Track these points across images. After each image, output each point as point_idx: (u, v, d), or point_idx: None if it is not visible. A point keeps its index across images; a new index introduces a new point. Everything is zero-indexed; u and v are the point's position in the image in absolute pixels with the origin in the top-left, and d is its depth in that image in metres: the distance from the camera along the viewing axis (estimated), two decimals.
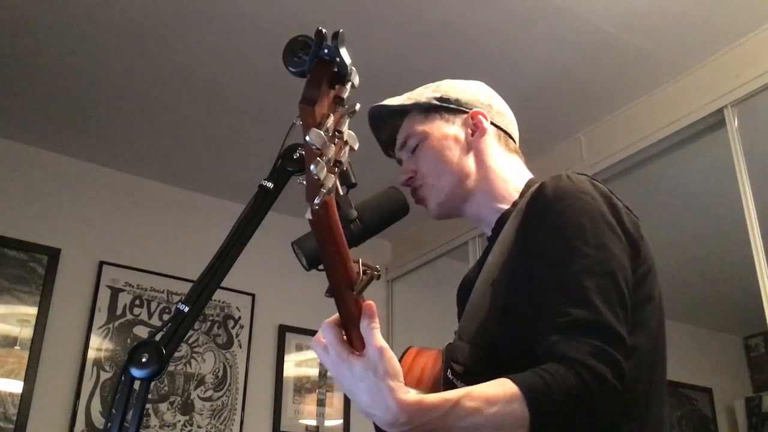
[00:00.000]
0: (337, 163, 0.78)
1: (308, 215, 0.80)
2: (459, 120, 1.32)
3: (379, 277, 0.92)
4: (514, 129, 1.38)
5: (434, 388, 1.04)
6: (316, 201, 0.76)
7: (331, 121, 0.76)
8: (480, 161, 1.30)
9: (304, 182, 0.77)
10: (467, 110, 1.32)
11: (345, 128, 0.80)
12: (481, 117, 1.32)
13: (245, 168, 3.47)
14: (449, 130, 1.31)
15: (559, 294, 1.00)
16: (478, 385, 0.94)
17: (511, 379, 0.93)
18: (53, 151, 3.49)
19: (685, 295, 4.34)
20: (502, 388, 0.93)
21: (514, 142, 1.37)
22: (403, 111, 1.34)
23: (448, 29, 2.75)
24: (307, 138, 0.74)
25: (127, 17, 2.69)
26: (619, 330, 0.97)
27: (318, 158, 0.74)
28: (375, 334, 0.91)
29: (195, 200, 3.83)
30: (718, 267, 4.22)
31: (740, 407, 4.95)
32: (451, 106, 1.32)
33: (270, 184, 1.02)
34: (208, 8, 2.65)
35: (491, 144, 1.32)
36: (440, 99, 1.32)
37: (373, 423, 1.04)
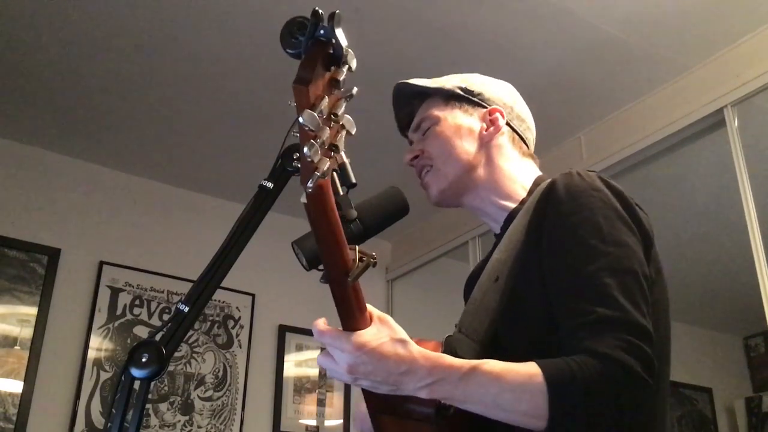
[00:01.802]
0: (333, 146, 0.77)
1: (303, 199, 0.79)
2: (477, 113, 1.32)
3: (375, 264, 0.92)
4: (530, 136, 1.37)
5: None
6: (310, 184, 0.76)
7: (325, 103, 0.75)
8: (489, 157, 1.30)
9: (299, 165, 0.76)
10: (487, 106, 1.32)
11: (341, 112, 0.79)
12: (498, 115, 1.32)
13: (245, 168, 3.47)
14: (464, 120, 1.31)
15: (582, 294, 1.00)
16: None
17: (536, 361, 0.94)
18: (53, 151, 3.50)
19: (685, 295, 4.33)
20: (525, 366, 0.94)
21: (528, 147, 1.36)
22: (425, 93, 1.34)
23: (448, 29, 2.75)
24: (301, 119, 0.73)
25: (127, 17, 2.69)
26: (645, 324, 0.97)
27: (312, 140, 0.73)
28: (374, 308, 0.97)
29: (195, 200, 3.83)
30: (718, 267, 4.22)
31: (740, 407, 4.95)
32: (473, 98, 1.32)
33: (270, 184, 1.02)
34: (208, 8, 2.65)
35: (504, 143, 1.31)
36: (464, 89, 1.33)
37: (365, 398, 1.05)
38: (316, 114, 0.73)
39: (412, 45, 2.82)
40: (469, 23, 2.71)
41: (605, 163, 3.17)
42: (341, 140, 0.79)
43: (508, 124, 1.32)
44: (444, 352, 1.07)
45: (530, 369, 0.93)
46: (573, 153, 3.37)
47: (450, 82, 1.34)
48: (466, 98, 1.32)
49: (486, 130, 1.30)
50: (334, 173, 0.97)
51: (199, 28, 2.75)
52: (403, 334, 0.97)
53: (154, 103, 3.18)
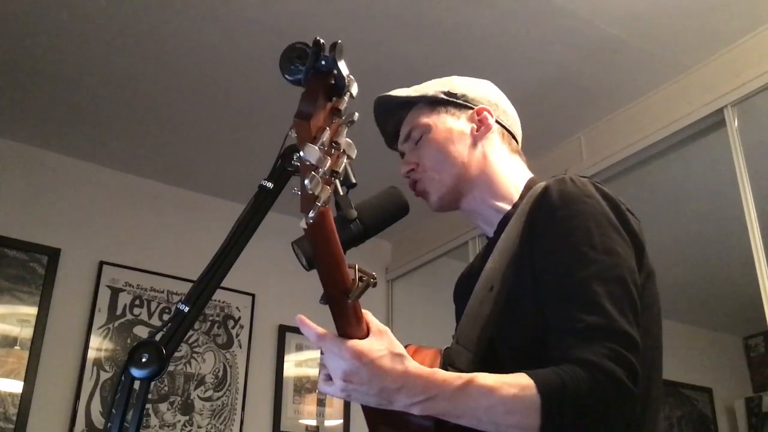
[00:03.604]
0: (334, 173, 0.78)
1: (303, 224, 0.80)
2: (464, 115, 1.31)
3: (375, 284, 0.92)
4: (517, 130, 1.37)
5: None
6: (311, 214, 0.76)
7: (327, 135, 0.76)
8: (482, 157, 1.29)
9: (299, 192, 0.76)
10: (473, 106, 1.32)
11: (342, 139, 0.79)
12: (486, 114, 1.31)
13: (245, 168, 3.47)
14: (454, 124, 1.30)
15: (571, 301, 1.00)
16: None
17: (526, 373, 0.94)
18: (53, 151, 3.49)
19: (685, 295, 4.33)
20: (516, 378, 0.94)
21: (517, 143, 1.36)
22: (409, 103, 1.33)
23: (448, 29, 2.75)
24: (302, 153, 0.73)
25: (126, 17, 2.69)
26: (632, 333, 0.98)
27: (313, 173, 0.73)
28: (374, 318, 0.98)
29: (195, 200, 3.83)
30: (718, 267, 4.22)
31: (740, 407, 4.95)
32: (458, 101, 1.32)
33: (270, 184, 1.02)
34: (208, 8, 2.65)
35: (494, 142, 1.31)
36: (447, 93, 1.32)
37: (363, 409, 1.05)
38: (317, 147, 0.73)
39: (413, 45, 2.82)
40: (470, 23, 2.71)
41: (605, 163, 3.17)
42: (342, 165, 0.80)
43: (497, 121, 1.32)
44: (442, 363, 1.07)
45: (522, 381, 0.93)
46: (573, 153, 3.37)
47: (431, 88, 1.33)
48: (451, 102, 1.32)
49: (477, 131, 1.30)
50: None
51: (200, 28, 2.75)
52: (400, 348, 0.97)
53: (154, 103, 3.18)
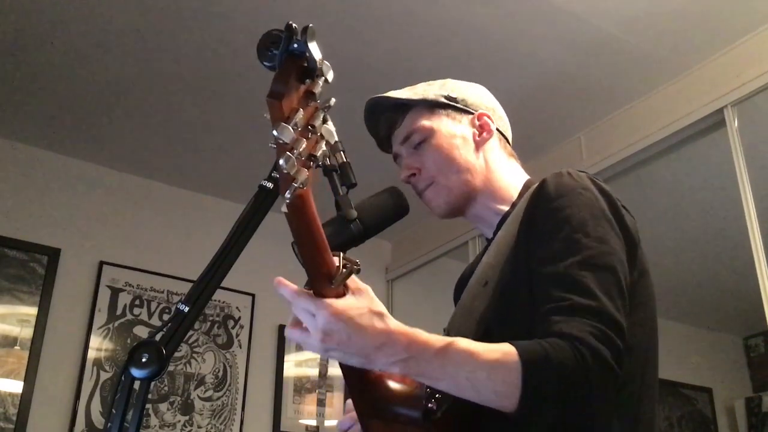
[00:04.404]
0: (312, 157, 0.79)
1: (283, 208, 0.81)
2: (465, 120, 1.32)
3: (359, 271, 0.92)
4: (510, 134, 1.39)
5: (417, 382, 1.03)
6: (288, 194, 0.77)
7: (301, 116, 0.77)
8: (485, 164, 1.30)
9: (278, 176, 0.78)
10: (473, 111, 1.32)
11: (319, 123, 0.80)
12: (487, 119, 1.32)
13: (245, 168, 3.47)
14: (456, 129, 1.30)
15: (559, 283, 1.00)
16: None
17: (510, 342, 0.94)
18: (53, 151, 3.49)
19: (685, 295, 4.33)
20: (499, 345, 0.94)
21: (510, 146, 1.38)
22: (405, 105, 1.32)
23: (448, 29, 2.75)
24: (275, 132, 0.75)
25: (126, 17, 2.69)
26: (619, 318, 0.98)
27: (288, 153, 0.75)
28: (355, 277, 0.93)
29: (195, 200, 3.83)
30: (718, 267, 4.22)
31: (740, 407, 4.95)
32: (458, 105, 1.32)
33: (270, 184, 1.02)
34: (208, 7, 2.65)
35: (494, 147, 1.32)
36: (447, 97, 1.32)
37: (354, 403, 1.04)
38: (290, 127, 0.75)
39: (412, 44, 2.82)
40: (469, 23, 2.71)
41: (605, 163, 3.17)
42: (320, 150, 0.81)
43: (496, 128, 1.33)
44: None
45: (504, 348, 0.93)
46: (573, 153, 3.37)
47: (430, 91, 1.32)
48: (452, 106, 1.31)
49: (479, 136, 1.31)
50: (334, 173, 0.97)
51: (199, 28, 2.75)
52: (380, 306, 0.94)
53: (154, 103, 3.18)
